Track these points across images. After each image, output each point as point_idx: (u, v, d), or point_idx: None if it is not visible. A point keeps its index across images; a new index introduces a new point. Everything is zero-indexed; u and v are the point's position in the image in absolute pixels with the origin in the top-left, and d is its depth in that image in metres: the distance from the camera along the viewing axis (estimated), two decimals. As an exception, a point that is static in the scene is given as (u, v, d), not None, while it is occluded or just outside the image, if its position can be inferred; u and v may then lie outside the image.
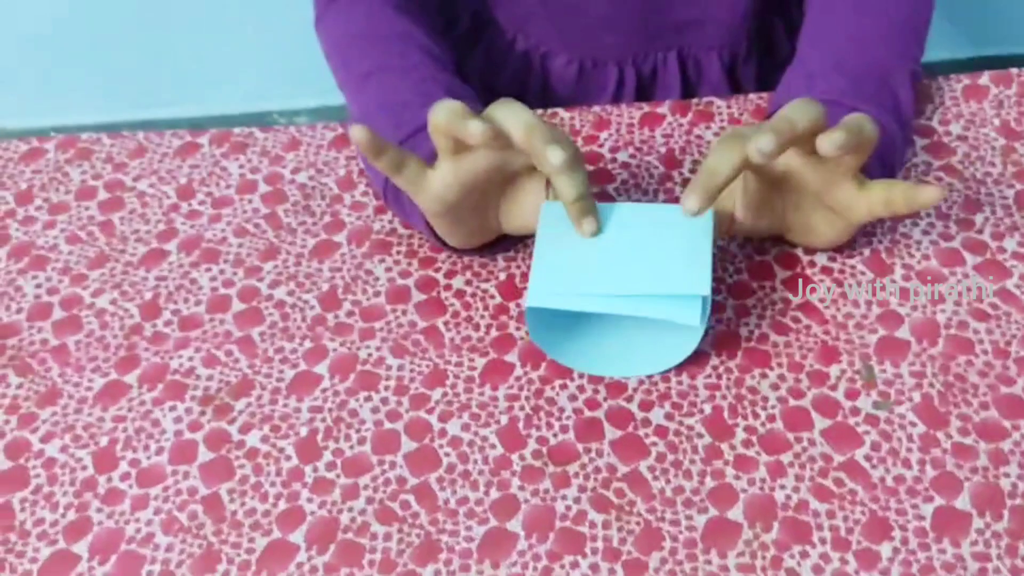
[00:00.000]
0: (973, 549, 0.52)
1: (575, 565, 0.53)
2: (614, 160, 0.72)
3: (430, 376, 0.61)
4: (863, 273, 0.64)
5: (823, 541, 0.53)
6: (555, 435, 0.58)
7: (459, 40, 0.89)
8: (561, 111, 0.76)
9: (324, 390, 0.61)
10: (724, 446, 0.57)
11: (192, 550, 0.55)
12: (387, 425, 0.59)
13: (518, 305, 0.64)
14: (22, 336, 0.65)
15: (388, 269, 0.67)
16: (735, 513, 0.54)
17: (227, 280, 0.67)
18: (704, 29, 0.84)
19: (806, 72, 0.71)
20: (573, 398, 0.60)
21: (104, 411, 0.61)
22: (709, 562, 0.53)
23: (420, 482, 0.57)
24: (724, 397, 0.59)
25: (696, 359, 0.60)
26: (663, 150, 0.72)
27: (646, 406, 0.59)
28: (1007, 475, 0.55)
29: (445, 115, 0.56)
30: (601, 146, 0.73)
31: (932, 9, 0.74)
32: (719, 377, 0.60)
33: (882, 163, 0.64)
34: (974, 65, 0.77)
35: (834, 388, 0.59)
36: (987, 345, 0.60)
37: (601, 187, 0.70)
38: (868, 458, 0.56)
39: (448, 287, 0.66)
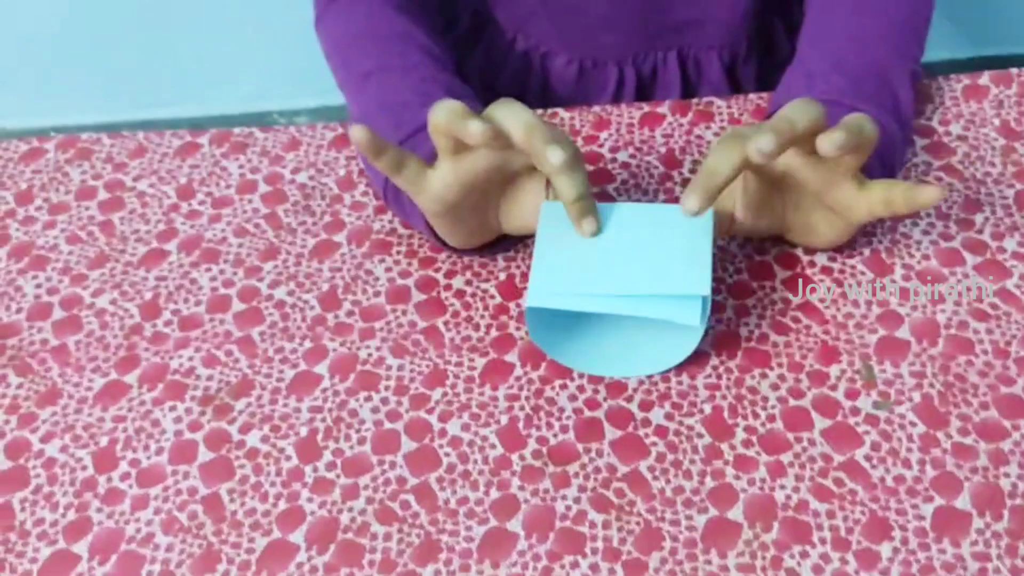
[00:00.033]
0: (973, 549, 0.52)
1: (575, 565, 0.53)
2: (614, 160, 0.72)
3: (430, 376, 0.61)
4: (863, 273, 0.64)
5: (823, 541, 0.53)
6: (555, 435, 0.58)
7: (459, 40, 0.89)
8: (561, 111, 0.76)
9: (324, 390, 0.61)
10: (724, 446, 0.57)
11: (192, 550, 0.55)
12: (387, 425, 0.59)
13: (518, 305, 0.64)
14: (22, 336, 0.65)
15: (388, 269, 0.67)
16: (735, 513, 0.54)
17: (227, 280, 0.67)
18: (704, 29, 0.84)
19: (806, 72, 0.71)
20: (573, 398, 0.60)
21: (104, 411, 0.61)
22: (709, 562, 0.53)
23: (420, 482, 0.57)
24: (724, 397, 0.59)
25: (696, 359, 0.60)
26: (663, 150, 0.72)
27: (646, 406, 0.59)
28: (1007, 475, 0.55)
29: (445, 115, 0.56)
30: (601, 146, 0.73)
31: (932, 9, 0.74)
32: (719, 377, 0.60)
33: (882, 163, 0.64)
34: (974, 65, 0.77)
35: (834, 388, 0.59)
36: (987, 345, 0.60)
37: (601, 187, 0.70)
38: (868, 458, 0.56)
39: (448, 287, 0.66)
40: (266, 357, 0.63)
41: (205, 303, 0.66)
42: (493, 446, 0.58)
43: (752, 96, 0.76)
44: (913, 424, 0.57)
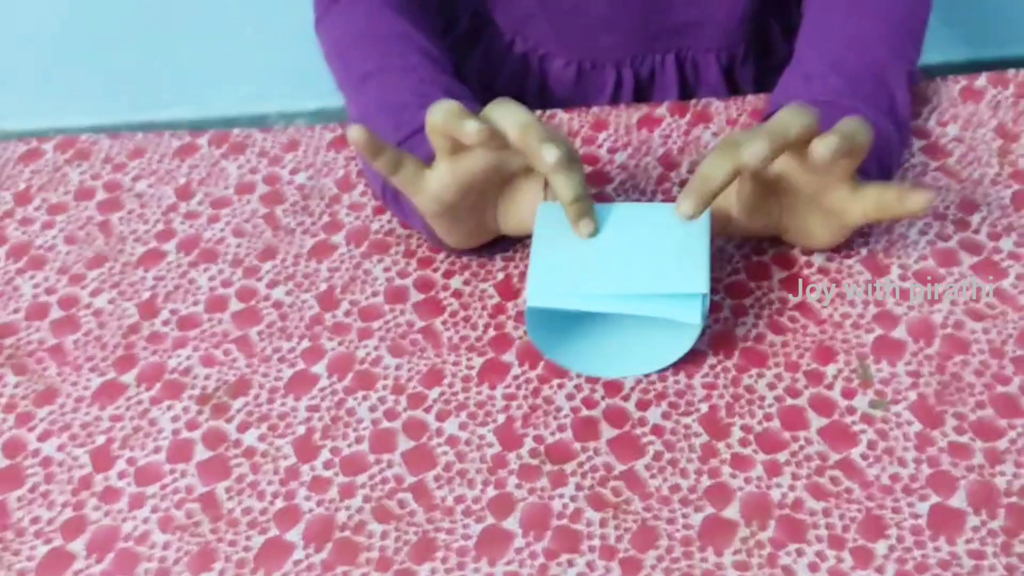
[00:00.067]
0: (969, 547, 0.52)
1: (571, 563, 0.53)
2: (612, 161, 0.72)
3: (428, 375, 0.61)
4: (860, 273, 0.64)
5: (819, 539, 0.53)
6: (552, 434, 0.58)
7: (458, 41, 0.89)
8: (559, 112, 0.76)
9: (322, 389, 0.61)
10: (721, 445, 0.57)
11: (189, 548, 0.55)
12: (385, 424, 0.59)
13: (516, 305, 0.64)
14: (20, 335, 0.65)
15: (386, 269, 0.67)
16: (731, 511, 0.54)
17: (225, 280, 0.67)
18: (702, 31, 0.84)
19: (803, 73, 0.71)
20: (570, 397, 0.60)
21: (102, 410, 0.61)
22: (705, 560, 0.53)
23: (417, 480, 0.57)
24: (721, 396, 0.59)
25: (693, 358, 0.60)
26: (661, 151, 0.72)
27: (643, 405, 0.59)
28: (1003, 473, 0.55)
29: (442, 115, 0.57)
30: (599, 147, 0.73)
31: (929, 11, 0.74)
32: (716, 376, 0.60)
33: (879, 164, 0.65)
34: (971, 67, 0.77)
35: (831, 387, 0.59)
36: (983, 344, 0.60)
37: (599, 188, 0.70)
38: (864, 457, 0.56)
39: (446, 287, 0.66)
40: (264, 356, 0.63)
41: (203, 303, 0.66)
42: (490, 445, 0.58)
43: (750, 97, 0.76)
44: (909, 423, 0.57)
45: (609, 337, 0.62)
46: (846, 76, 0.69)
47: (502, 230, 0.66)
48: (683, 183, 0.70)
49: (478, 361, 0.62)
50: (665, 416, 0.58)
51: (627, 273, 0.58)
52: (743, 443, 0.57)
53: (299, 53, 1.07)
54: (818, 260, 0.65)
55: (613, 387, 0.60)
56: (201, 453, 0.59)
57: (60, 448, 0.60)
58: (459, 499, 0.56)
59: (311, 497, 0.57)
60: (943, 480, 0.55)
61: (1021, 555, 0.52)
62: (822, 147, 0.54)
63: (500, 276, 0.66)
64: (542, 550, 0.54)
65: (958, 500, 0.54)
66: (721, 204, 0.63)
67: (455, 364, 0.62)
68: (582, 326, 0.62)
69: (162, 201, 0.73)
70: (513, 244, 0.67)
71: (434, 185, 0.60)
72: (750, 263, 0.65)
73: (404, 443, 0.58)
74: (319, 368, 0.62)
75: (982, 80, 0.75)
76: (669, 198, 0.69)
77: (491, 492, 0.56)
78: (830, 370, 0.60)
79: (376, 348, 0.63)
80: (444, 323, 0.64)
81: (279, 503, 0.57)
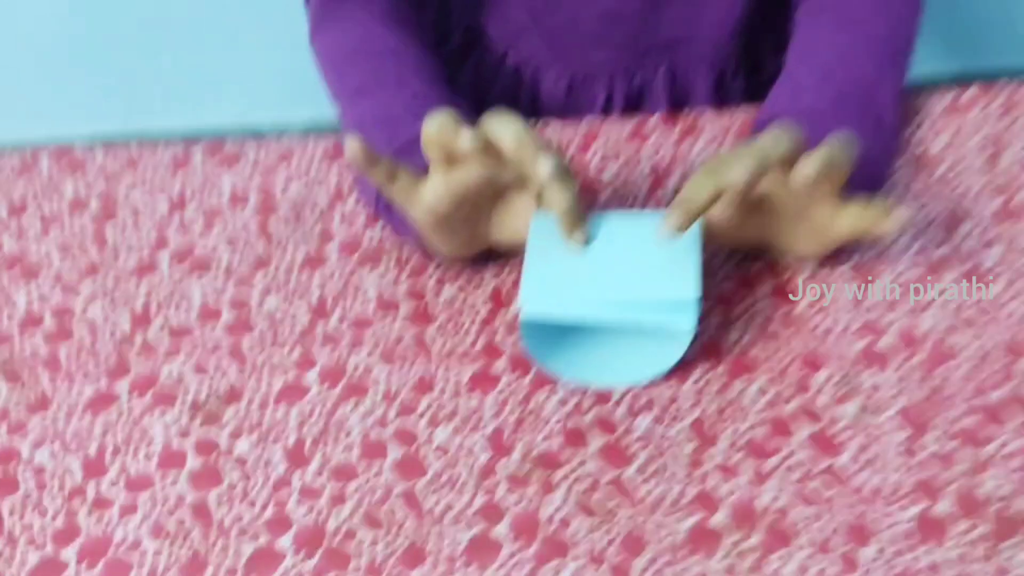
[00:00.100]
0: (954, 553, 0.53)
1: (560, 570, 0.53)
2: (602, 173, 0.73)
3: (418, 384, 0.62)
4: (848, 282, 0.65)
5: (806, 545, 0.53)
6: (542, 441, 0.59)
7: (450, 55, 0.89)
8: (551, 124, 0.76)
9: (313, 398, 0.62)
10: (708, 453, 0.57)
11: (180, 555, 0.55)
12: (375, 433, 0.60)
13: (507, 314, 0.65)
14: (13, 345, 0.66)
15: (379, 279, 0.67)
16: (719, 519, 0.55)
17: (218, 290, 0.68)
18: (693, 46, 0.85)
19: (792, 86, 0.72)
20: (559, 406, 0.60)
21: (94, 418, 0.61)
22: (693, 567, 0.53)
23: (407, 489, 0.57)
24: (709, 405, 0.60)
25: (681, 367, 0.61)
26: (651, 164, 0.73)
27: (631, 414, 0.59)
28: (989, 480, 0.55)
29: (438, 126, 0.57)
30: (590, 159, 0.74)
31: (918, 25, 0.75)
32: (704, 385, 0.60)
33: (866, 178, 0.65)
34: (958, 80, 0.78)
35: (817, 396, 0.60)
36: (970, 352, 0.61)
37: (589, 200, 0.71)
38: (850, 464, 0.56)
39: (437, 297, 0.66)
40: (256, 365, 0.63)
41: (196, 313, 0.67)
42: (480, 453, 0.58)
43: (740, 110, 0.77)
44: (895, 431, 0.58)
45: (602, 345, 0.62)
46: (835, 89, 0.69)
47: (496, 241, 0.66)
48: (673, 195, 0.71)
49: (469, 370, 0.62)
50: (655, 423, 0.59)
51: (620, 281, 0.59)
52: (731, 451, 0.57)
53: (293, 65, 1.07)
54: (806, 270, 0.66)
55: (601, 396, 0.60)
56: (192, 462, 0.59)
57: (52, 456, 0.60)
58: (449, 507, 0.56)
59: (302, 504, 0.57)
60: (929, 487, 0.55)
61: (1006, 562, 0.52)
62: (805, 169, 0.56)
63: (491, 286, 0.66)
64: (531, 557, 0.54)
65: (944, 507, 0.54)
66: (708, 217, 0.63)
67: (445, 373, 0.62)
68: (575, 335, 0.62)
69: (156, 212, 0.73)
70: (504, 254, 0.68)
71: (428, 197, 0.61)
72: (738, 272, 0.66)
73: (394, 451, 0.59)
74: (311, 377, 0.63)
75: (969, 93, 0.76)
76: (660, 208, 0.70)
77: (481, 500, 0.56)
78: (818, 378, 0.60)
79: (368, 356, 0.63)
80: (435, 333, 0.64)
81: (270, 511, 0.57)
